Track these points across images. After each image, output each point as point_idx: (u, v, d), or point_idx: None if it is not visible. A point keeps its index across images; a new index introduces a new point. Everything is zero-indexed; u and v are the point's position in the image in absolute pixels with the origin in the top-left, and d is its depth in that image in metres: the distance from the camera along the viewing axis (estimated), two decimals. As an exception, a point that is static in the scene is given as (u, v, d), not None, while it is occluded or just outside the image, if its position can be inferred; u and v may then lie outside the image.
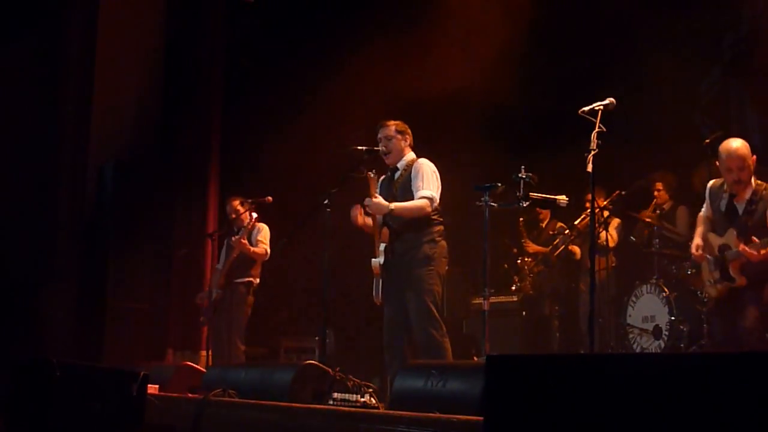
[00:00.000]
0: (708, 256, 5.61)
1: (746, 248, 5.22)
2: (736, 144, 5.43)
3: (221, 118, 9.98)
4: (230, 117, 10.07)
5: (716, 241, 5.62)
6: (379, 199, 5.56)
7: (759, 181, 5.48)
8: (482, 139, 8.58)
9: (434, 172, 5.70)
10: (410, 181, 5.68)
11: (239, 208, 7.70)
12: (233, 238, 7.49)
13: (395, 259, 5.62)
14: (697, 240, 5.66)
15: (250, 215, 7.59)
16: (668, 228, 7.59)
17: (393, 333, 5.69)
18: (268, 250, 7.61)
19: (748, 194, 5.44)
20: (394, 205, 5.54)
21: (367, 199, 5.60)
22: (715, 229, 5.66)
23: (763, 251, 5.19)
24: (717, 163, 5.54)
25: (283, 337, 9.09)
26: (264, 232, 7.69)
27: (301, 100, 9.29)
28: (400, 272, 5.61)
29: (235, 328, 7.35)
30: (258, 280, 7.69)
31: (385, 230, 5.67)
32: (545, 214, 8.58)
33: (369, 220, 5.78)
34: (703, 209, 5.85)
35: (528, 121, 8.81)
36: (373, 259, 5.66)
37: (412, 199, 5.63)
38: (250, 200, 7.26)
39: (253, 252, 7.50)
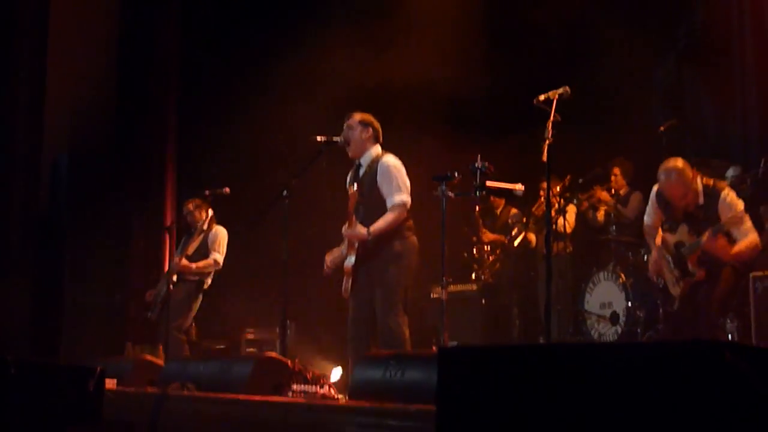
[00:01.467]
0: (667, 255, 5.71)
1: (707, 241, 5.33)
2: (671, 177, 5.56)
3: (177, 109, 9.92)
4: (186, 108, 10.01)
5: (671, 239, 5.73)
6: (356, 227, 5.53)
7: (706, 180, 5.59)
8: (440, 129, 8.59)
9: (401, 170, 5.65)
10: (375, 179, 5.63)
11: (192, 210, 7.66)
12: (175, 259, 7.44)
13: (365, 255, 5.60)
14: (654, 254, 5.79)
15: (207, 216, 7.55)
16: (620, 211, 7.67)
17: (358, 326, 5.67)
18: (219, 260, 7.58)
19: (698, 199, 5.60)
20: (372, 228, 5.51)
21: (343, 228, 5.58)
22: (667, 227, 5.79)
23: (721, 240, 5.30)
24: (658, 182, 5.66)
25: (244, 328, 9.06)
26: (219, 238, 7.64)
27: (259, 91, 9.23)
28: (369, 268, 5.59)
29: (175, 318, 7.28)
30: (209, 281, 7.66)
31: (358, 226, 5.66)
32: (499, 202, 8.64)
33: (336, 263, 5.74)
34: (645, 218, 5.98)
35: (484, 111, 8.85)
36: (347, 258, 5.61)
37: (379, 196, 5.58)
38: (207, 191, 7.20)
39: (196, 268, 7.48)
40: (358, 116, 5.78)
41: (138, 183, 9.68)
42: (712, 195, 5.53)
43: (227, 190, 7.09)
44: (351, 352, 5.66)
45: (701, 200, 5.57)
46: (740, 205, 5.47)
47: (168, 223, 8.89)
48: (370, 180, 5.66)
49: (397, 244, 5.56)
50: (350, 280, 5.60)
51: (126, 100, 9.67)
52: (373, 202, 5.60)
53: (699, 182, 5.58)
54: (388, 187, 5.57)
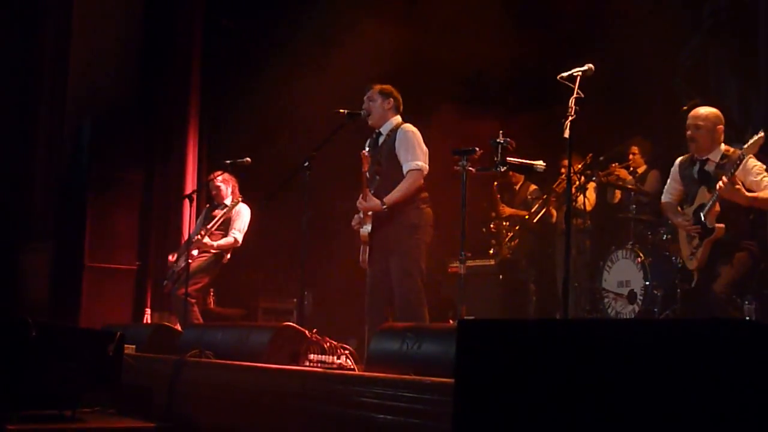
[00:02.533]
0: (684, 231, 5.70)
1: (724, 187, 5.30)
2: (698, 109, 5.60)
3: (200, 78, 9.91)
4: (210, 76, 10.00)
5: (690, 210, 5.71)
6: (371, 200, 5.57)
7: (729, 147, 5.59)
8: (462, 103, 8.56)
9: (419, 137, 5.69)
10: (394, 147, 5.67)
11: (219, 184, 7.71)
12: (197, 236, 7.48)
13: (380, 225, 5.64)
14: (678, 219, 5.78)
15: (234, 193, 7.63)
16: (638, 189, 7.63)
17: (375, 297, 5.72)
18: (239, 239, 7.62)
19: (716, 158, 5.60)
20: (386, 199, 5.55)
21: (359, 202, 5.63)
22: (686, 201, 5.78)
23: (738, 185, 5.29)
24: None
25: (261, 298, 9.11)
26: (243, 216, 7.68)
27: (282, 61, 9.23)
28: (385, 238, 5.63)
29: (191, 285, 7.33)
30: (229, 256, 7.71)
31: (372, 196, 5.69)
32: (518, 178, 8.62)
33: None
34: (664, 196, 5.96)
35: (507, 87, 8.80)
36: (362, 228, 5.68)
37: (396, 164, 5.63)
38: (228, 161, 7.22)
39: (218, 247, 7.54)
40: (378, 87, 5.82)
41: (159, 151, 9.70)
42: (728, 158, 5.51)
43: (248, 160, 7.10)
44: (368, 323, 5.70)
45: (717, 157, 5.59)
46: (762, 169, 5.45)
47: (188, 190, 8.91)
48: (388, 147, 5.70)
49: (413, 214, 5.60)
50: (367, 249, 5.65)
51: (150, 68, 9.67)
52: (390, 170, 5.63)
53: (722, 143, 5.62)
54: (405, 152, 5.61)
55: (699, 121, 5.63)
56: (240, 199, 7.55)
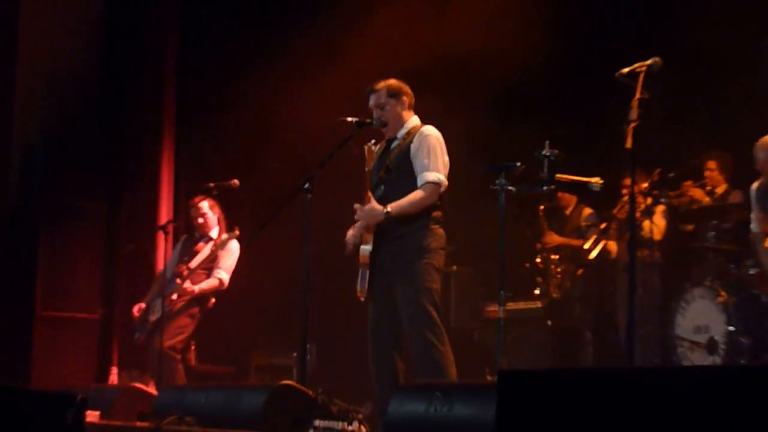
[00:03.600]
0: None
1: None
2: (764, 138, 5.59)
3: (175, 85, 9.95)
4: (187, 83, 10.04)
5: None
6: (372, 204, 5.59)
7: None
8: (499, 109, 8.58)
9: (441, 145, 5.72)
10: (409, 151, 5.69)
11: (205, 212, 7.72)
12: (189, 263, 7.50)
13: (383, 248, 5.65)
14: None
15: (220, 223, 7.65)
16: (719, 207, 7.59)
17: (380, 340, 5.71)
18: (226, 281, 7.64)
19: None
20: (390, 206, 5.56)
21: (356, 206, 5.64)
22: None
23: None
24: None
25: (253, 353, 9.10)
26: (231, 254, 7.70)
27: (274, 62, 9.28)
28: (387, 264, 5.64)
29: (170, 337, 7.33)
30: (213, 300, 7.73)
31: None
32: (570, 200, 8.61)
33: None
34: (752, 225, 5.94)
35: (553, 87, 8.81)
36: (362, 246, 5.68)
37: (409, 173, 5.65)
38: (212, 184, 7.25)
39: (200, 291, 7.56)
40: (382, 88, 5.85)
41: (127, 173, 9.75)
42: None
43: (236, 182, 7.13)
44: (375, 376, 5.70)
45: None
46: None
47: (163, 220, 8.94)
48: (402, 151, 5.72)
49: (422, 235, 5.62)
50: (367, 275, 5.65)
51: (114, 73, 9.76)
52: (399, 179, 5.66)
53: None
54: (422, 160, 5.64)
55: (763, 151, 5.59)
56: (237, 232, 7.51)
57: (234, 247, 7.71)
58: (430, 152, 5.66)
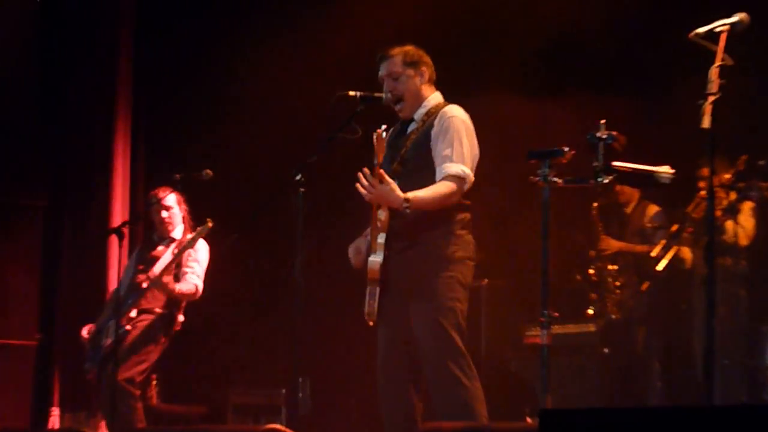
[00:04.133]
0: None
1: None
2: None
3: (132, 61, 9.96)
4: (145, 57, 10.04)
5: None
6: (388, 185, 5.51)
7: None
8: (540, 80, 8.58)
9: (469, 130, 5.68)
10: (429, 137, 5.66)
11: (170, 206, 7.71)
12: (150, 271, 7.48)
13: (395, 258, 5.63)
14: None
15: (185, 221, 7.63)
16: None
17: (393, 373, 5.70)
18: (200, 287, 7.63)
19: None
20: (412, 194, 5.51)
21: (366, 180, 5.52)
22: None
23: None
24: None
25: (230, 389, 9.11)
26: (202, 258, 7.66)
27: (252, 25, 9.30)
28: (402, 276, 5.62)
29: (128, 368, 7.33)
30: (182, 318, 7.72)
31: (385, 212, 5.67)
32: (631, 195, 8.56)
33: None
34: None
35: (611, 53, 8.81)
36: (370, 258, 5.65)
37: (430, 163, 5.61)
38: (178, 176, 7.25)
39: (179, 293, 7.53)
40: (398, 54, 5.80)
41: (73, 164, 9.76)
42: None
43: (209, 172, 7.12)
44: (385, 421, 5.70)
45: None
46: None
47: (116, 222, 8.95)
48: (421, 136, 5.69)
49: (443, 243, 5.59)
50: (377, 293, 5.62)
51: (58, 48, 9.78)
52: (419, 174, 5.61)
53: None
54: (445, 148, 5.59)
55: None
56: (210, 224, 7.45)
57: (203, 249, 7.69)
58: (454, 137, 5.62)
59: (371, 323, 5.71)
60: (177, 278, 7.61)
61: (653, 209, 8.48)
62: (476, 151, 5.71)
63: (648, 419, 2.57)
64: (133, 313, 7.50)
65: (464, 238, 5.68)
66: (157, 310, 7.63)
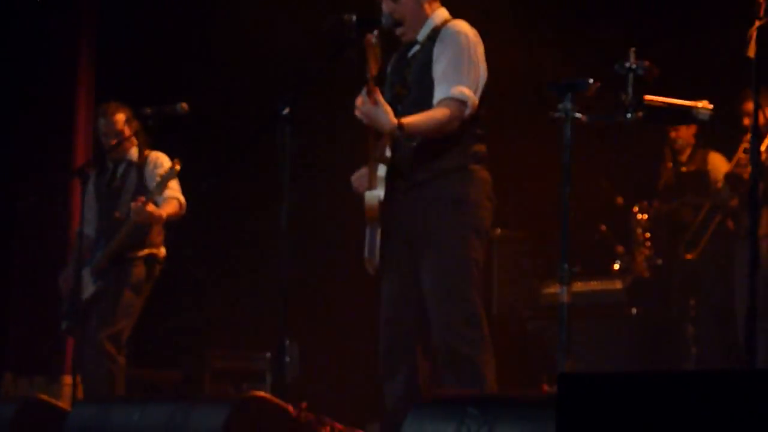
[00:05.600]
0: None
1: None
2: None
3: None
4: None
5: None
6: (380, 107, 5.48)
7: None
8: (563, 5, 8.57)
9: (474, 47, 5.64)
10: (431, 54, 5.63)
11: (124, 127, 7.67)
12: (134, 204, 7.44)
13: (401, 198, 5.62)
14: None
15: (138, 138, 7.57)
16: None
17: (397, 329, 5.68)
18: (182, 199, 7.60)
19: None
20: (406, 120, 5.49)
21: (359, 99, 5.50)
22: None
23: None
24: None
25: (209, 352, 9.15)
26: (166, 168, 7.62)
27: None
28: (408, 222, 5.61)
29: (108, 323, 7.36)
30: (163, 251, 7.71)
31: (385, 142, 5.66)
32: (686, 139, 8.50)
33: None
34: None
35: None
36: (367, 192, 5.63)
37: (432, 84, 5.59)
38: (149, 110, 7.24)
39: (167, 215, 7.50)
40: None
41: (27, 95, 9.77)
42: None
43: (184, 106, 7.11)
44: (386, 386, 5.70)
45: None
46: None
47: (79, 162, 8.96)
48: (424, 57, 5.65)
49: (456, 179, 5.55)
50: (378, 234, 5.61)
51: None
52: (423, 99, 5.58)
53: None
54: (446, 66, 5.53)
55: None
56: (177, 167, 7.37)
57: (161, 159, 7.62)
58: (458, 54, 5.57)
59: (372, 271, 5.68)
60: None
61: (717, 159, 8.42)
62: (482, 72, 5.63)
63: (681, 385, 2.57)
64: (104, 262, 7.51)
65: (480, 174, 5.61)
66: (137, 253, 7.63)
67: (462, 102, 5.48)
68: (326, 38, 5.78)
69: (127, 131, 7.65)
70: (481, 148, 5.63)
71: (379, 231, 5.58)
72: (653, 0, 8.48)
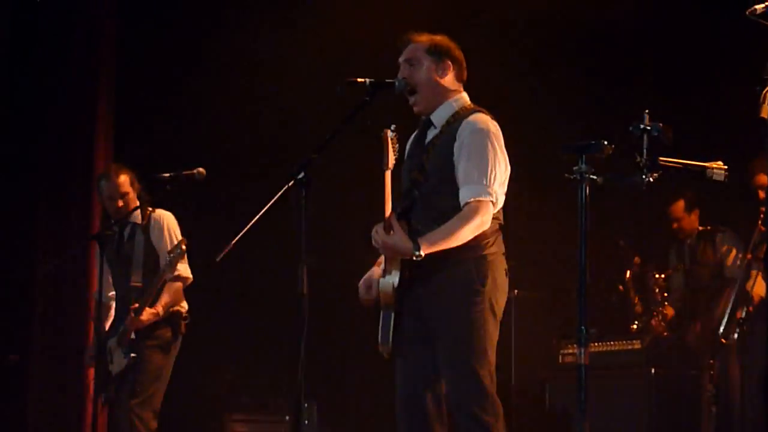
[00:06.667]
0: None
1: None
2: None
3: (115, 43, 10.00)
4: (130, 41, 10.08)
5: None
6: (400, 235, 5.44)
7: None
8: (577, 67, 8.57)
9: (496, 142, 5.56)
10: (452, 147, 5.56)
11: (128, 190, 7.66)
12: (127, 320, 7.42)
13: (415, 282, 5.56)
14: None
15: (141, 199, 7.56)
16: None
17: (416, 412, 5.63)
18: (188, 272, 7.58)
19: None
20: (425, 243, 5.41)
21: (376, 230, 5.47)
22: None
23: None
24: None
25: (227, 416, 9.12)
26: (168, 224, 7.60)
27: (247, 4, 9.35)
28: (422, 306, 5.56)
29: (143, 390, 7.35)
30: (185, 305, 7.67)
31: (401, 226, 5.62)
32: (686, 224, 8.48)
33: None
34: None
35: (655, 36, 8.82)
36: (382, 279, 5.60)
37: (450, 178, 5.52)
38: (166, 175, 7.23)
39: (164, 306, 7.50)
40: (424, 40, 5.71)
41: (47, 166, 9.80)
42: None
43: (201, 171, 7.11)
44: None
45: None
46: None
47: (97, 227, 8.98)
48: (443, 147, 5.58)
49: (472, 265, 5.49)
50: (391, 321, 5.55)
51: (25, 25, 9.82)
52: (439, 185, 5.54)
53: None
54: (468, 164, 5.45)
55: None
56: (183, 247, 7.34)
57: (166, 219, 7.57)
58: (479, 153, 5.50)
59: (386, 356, 5.62)
60: (155, 267, 7.54)
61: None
62: (504, 165, 5.60)
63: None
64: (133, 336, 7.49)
65: (495, 259, 5.51)
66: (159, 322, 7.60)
67: (489, 204, 5.44)
68: (340, 99, 5.78)
69: (132, 193, 7.67)
70: (497, 234, 5.58)
71: (392, 315, 5.54)
72: (671, 58, 8.50)
